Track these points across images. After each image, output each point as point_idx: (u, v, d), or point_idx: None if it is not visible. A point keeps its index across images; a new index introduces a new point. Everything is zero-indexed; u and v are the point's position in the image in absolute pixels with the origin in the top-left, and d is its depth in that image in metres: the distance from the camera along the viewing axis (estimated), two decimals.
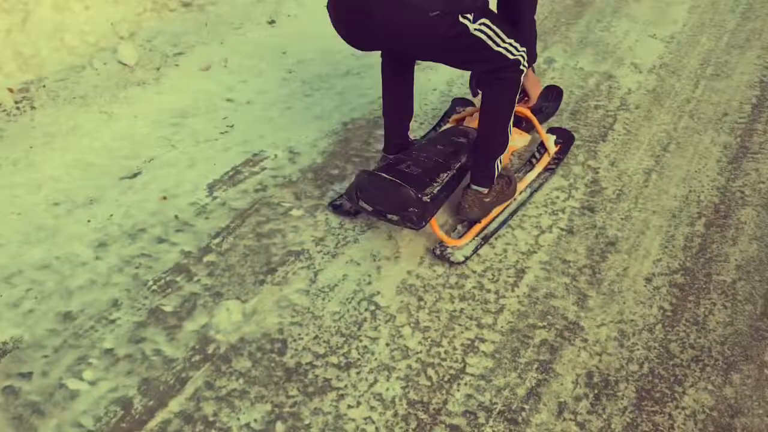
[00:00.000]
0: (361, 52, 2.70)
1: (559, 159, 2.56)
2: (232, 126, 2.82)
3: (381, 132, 2.75)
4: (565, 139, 2.65)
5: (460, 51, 1.92)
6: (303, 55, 3.34)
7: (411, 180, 2.03)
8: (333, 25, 1.93)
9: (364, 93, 3.06)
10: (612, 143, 2.75)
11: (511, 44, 1.97)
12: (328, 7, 1.93)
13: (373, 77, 3.16)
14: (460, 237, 2.22)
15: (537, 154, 2.58)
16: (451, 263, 2.12)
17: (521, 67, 2.03)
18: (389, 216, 2.02)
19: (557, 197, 2.46)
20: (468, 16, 1.85)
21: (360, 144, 2.73)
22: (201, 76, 3.15)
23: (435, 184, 2.08)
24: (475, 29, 1.88)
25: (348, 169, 2.59)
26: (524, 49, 2.02)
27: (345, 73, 3.21)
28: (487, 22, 1.90)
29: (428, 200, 2.01)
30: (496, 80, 2.02)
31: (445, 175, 2.12)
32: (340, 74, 3.20)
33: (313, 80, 3.15)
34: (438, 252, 2.16)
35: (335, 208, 2.35)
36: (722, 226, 2.34)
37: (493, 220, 2.28)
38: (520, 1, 2.05)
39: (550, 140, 2.58)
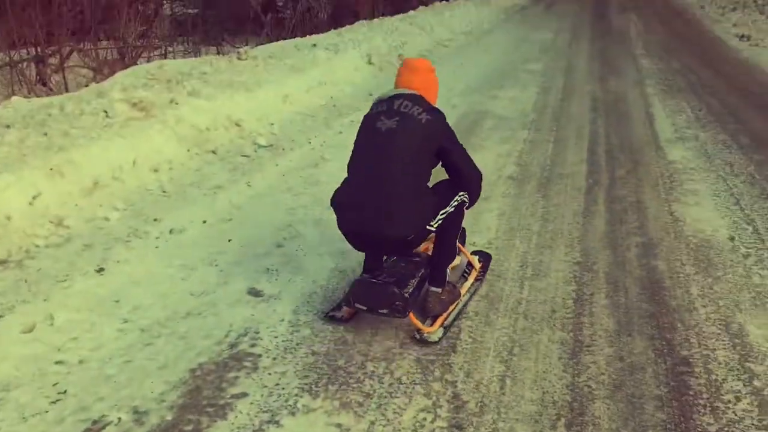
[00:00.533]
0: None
1: (483, 272, 3.51)
2: (64, 392, 2.55)
3: (233, 374, 2.64)
4: (485, 258, 3.63)
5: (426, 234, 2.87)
6: (138, 301, 3.20)
7: (391, 283, 2.79)
8: (337, 215, 2.88)
9: (209, 334, 2.95)
10: (462, 353, 2.84)
11: (455, 198, 2.96)
12: (334, 207, 2.88)
13: (217, 314, 3.08)
14: (431, 326, 2.98)
15: (467, 270, 3.49)
16: (429, 343, 2.87)
17: (464, 208, 3.04)
18: (380, 311, 2.73)
19: (424, 419, 2.44)
20: (432, 222, 2.82)
21: (212, 391, 2.57)
22: (23, 339, 2.87)
23: (408, 286, 2.95)
24: (436, 224, 2.86)
25: (203, 422, 2.40)
26: (464, 192, 2.99)
27: (186, 314, 3.10)
28: (442, 211, 2.89)
29: (407, 296, 2.82)
30: (460, 197, 3.01)
31: (413, 280, 3.00)
32: (180, 317, 3.08)
33: (152, 327, 3.00)
34: (418, 337, 2.90)
35: (331, 318, 2.98)
36: (581, 424, 2.43)
37: (450, 313, 3.08)
38: (459, 168, 2.98)
39: (475, 260, 3.52)
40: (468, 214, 3.24)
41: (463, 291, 3.27)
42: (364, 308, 2.73)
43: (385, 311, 2.72)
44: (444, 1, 16.11)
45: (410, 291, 2.93)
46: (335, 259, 3.67)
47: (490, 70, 9.17)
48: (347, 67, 8.13)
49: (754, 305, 3.24)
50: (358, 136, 2.91)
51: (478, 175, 3.07)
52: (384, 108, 2.87)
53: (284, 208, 4.36)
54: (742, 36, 12.58)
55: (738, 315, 3.16)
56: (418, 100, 2.89)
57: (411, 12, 13.52)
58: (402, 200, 2.70)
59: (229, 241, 3.87)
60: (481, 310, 3.20)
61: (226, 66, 7.28)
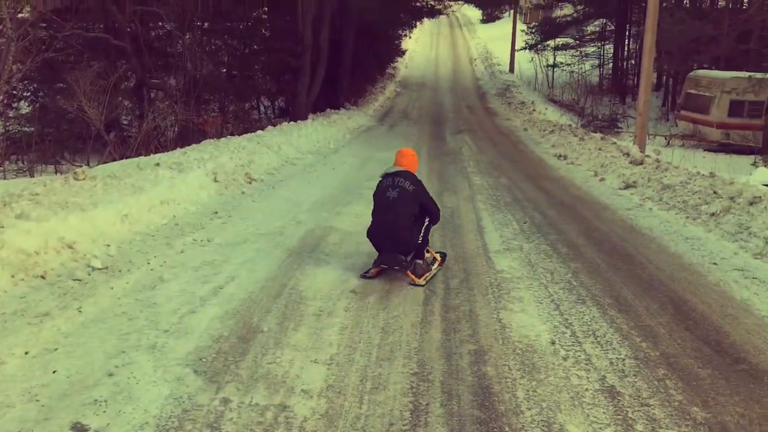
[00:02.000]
0: None
1: (442, 261, 5.92)
2: None
3: None
4: (443, 255, 5.99)
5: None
6: None
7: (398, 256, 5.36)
8: (371, 238, 5.62)
9: None
10: None
11: (425, 225, 5.59)
12: (369, 236, 5.64)
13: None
14: (420, 279, 5.37)
15: (433, 262, 5.75)
16: (418, 285, 5.30)
17: (430, 226, 5.63)
18: (395, 267, 5.35)
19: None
20: (418, 237, 5.53)
21: None
22: None
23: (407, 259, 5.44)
24: (420, 237, 5.53)
25: None
26: (429, 220, 5.62)
27: None
28: (420, 233, 5.57)
29: (407, 263, 5.37)
30: (427, 221, 5.60)
31: (409, 257, 5.43)
32: None
33: None
34: (411, 284, 5.32)
35: (365, 277, 5.46)
36: None
37: (426, 277, 5.45)
38: (429, 209, 5.64)
39: (437, 255, 5.87)
40: (312, 329, 3.28)
41: (433, 267, 5.70)
42: (386, 266, 5.41)
43: (397, 267, 5.38)
44: (292, 122, 16.67)
45: (408, 260, 5.45)
46: (170, 385, 3.54)
47: (336, 187, 9.54)
48: (192, 185, 8.12)
49: (572, 405, 3.49)
50: (375, 198, 5.59)
51: (437, 211, 5.72)
52: (390, 183, 5.49)
53: (117, 333, 4.18)
54: (560, 156, 13.98)
55: (559, 415, 3.38)
56: (407, 175, 5.53)
57: (259, 132, 13.88)
58: (403, 233, 5.43)
59: (54, 372, 3.63)
60: (320, 429, 3.19)
61: (61, 186, 7.03)
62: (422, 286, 5.27)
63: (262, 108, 21.38)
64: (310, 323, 4.46)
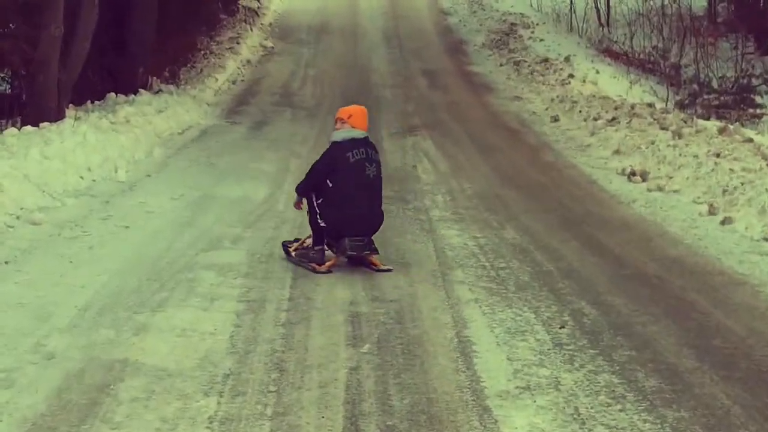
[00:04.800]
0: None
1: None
2: None
3: None
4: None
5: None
6: None
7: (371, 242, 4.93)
8: (344, 225, 4.69)
9: None
10: None
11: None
12: (342, 221, 4.68)
13: None
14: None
15: None
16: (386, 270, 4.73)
17: None
18: (365, 252, 4.77)
19: None
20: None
21: None
22: None
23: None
24: None
25: None
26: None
27: None
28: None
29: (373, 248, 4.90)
30: None
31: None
32: None
33: None
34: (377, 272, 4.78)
35: (317, 272, 4.65)
36: None
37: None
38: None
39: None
40: None
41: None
42: (354, 254, 4.75)
43: (367, 252, 4.73)
44: (29, 128, 7.91)
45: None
46: None
47: (133, 268, 4.71)
48: None
49: None
50: (345, 173, 4.67)
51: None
52: (364, 155, 4.72)
53: None
54: (631, 173, 7.49)
55: None
56: (372, 144, 4.90)
57: None
58: (380, 218, 4.89)
59: None
60: None
61: None
62: (390, 270, 4.70)
63: None
64: None
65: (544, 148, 9.22)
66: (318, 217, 4.68)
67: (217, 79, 12.70)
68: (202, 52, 14.14)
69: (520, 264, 4.88)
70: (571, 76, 12.89)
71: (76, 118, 8.48)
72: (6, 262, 4.70)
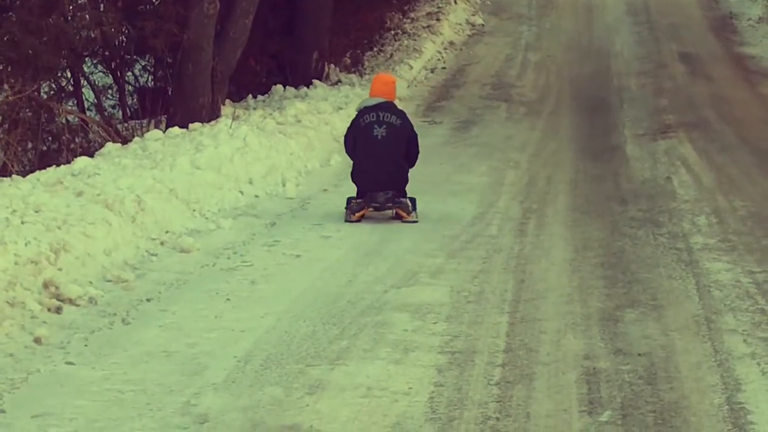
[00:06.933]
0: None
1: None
2: None
3: None
4: (413, 200, 6.11)
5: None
6: None
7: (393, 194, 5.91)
8: (359, 182, 5.68)
9: None
10: None
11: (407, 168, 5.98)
12: (356, 182, 5.70)
13: None
14: (410, 216, 5.68)
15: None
16: (412, 222, 5.57)
17: (411, 166, 6.07)
18: (388, 205, 5.60)
19: None
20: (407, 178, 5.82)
21: None
22: None
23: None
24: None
25: None
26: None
27: None
28: (407, 173, 5.87)
29: (399, 202, 5.88)
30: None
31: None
32: None
33: None
34: (402, 221, 5.71)
35: (349, 221, 5.55)
36: None
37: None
38: (412, 148, 5.78)
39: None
40: None
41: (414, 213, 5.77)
42: (378, 207, 5.59)
43: (389, 205, 5.58)
44: (176, 128, 7.19)
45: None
46: None
47: (306, 308, 3.53)
48: None
49: None
50: (356, 139, 5.65)
51: (418, 154, 5.79)
52: (374, 118, 5.55)
53: None
54: None
55: None
56: (392, 108, 5.69)
57: (82, 161, 6.24)
58: (397, 175, 5.61)
59: None
60: None
61: None
62: (416, 222, 5.50)
63: (87, 96, 9.31)
64: None
65: None
66: (351, 174, 5.74)
67: (411, 67, 11.04)
68: (393, 32, 12.17)
69: None
70: None
71: (234, 118, 7.44)
72: (148, 300, 4.22)
